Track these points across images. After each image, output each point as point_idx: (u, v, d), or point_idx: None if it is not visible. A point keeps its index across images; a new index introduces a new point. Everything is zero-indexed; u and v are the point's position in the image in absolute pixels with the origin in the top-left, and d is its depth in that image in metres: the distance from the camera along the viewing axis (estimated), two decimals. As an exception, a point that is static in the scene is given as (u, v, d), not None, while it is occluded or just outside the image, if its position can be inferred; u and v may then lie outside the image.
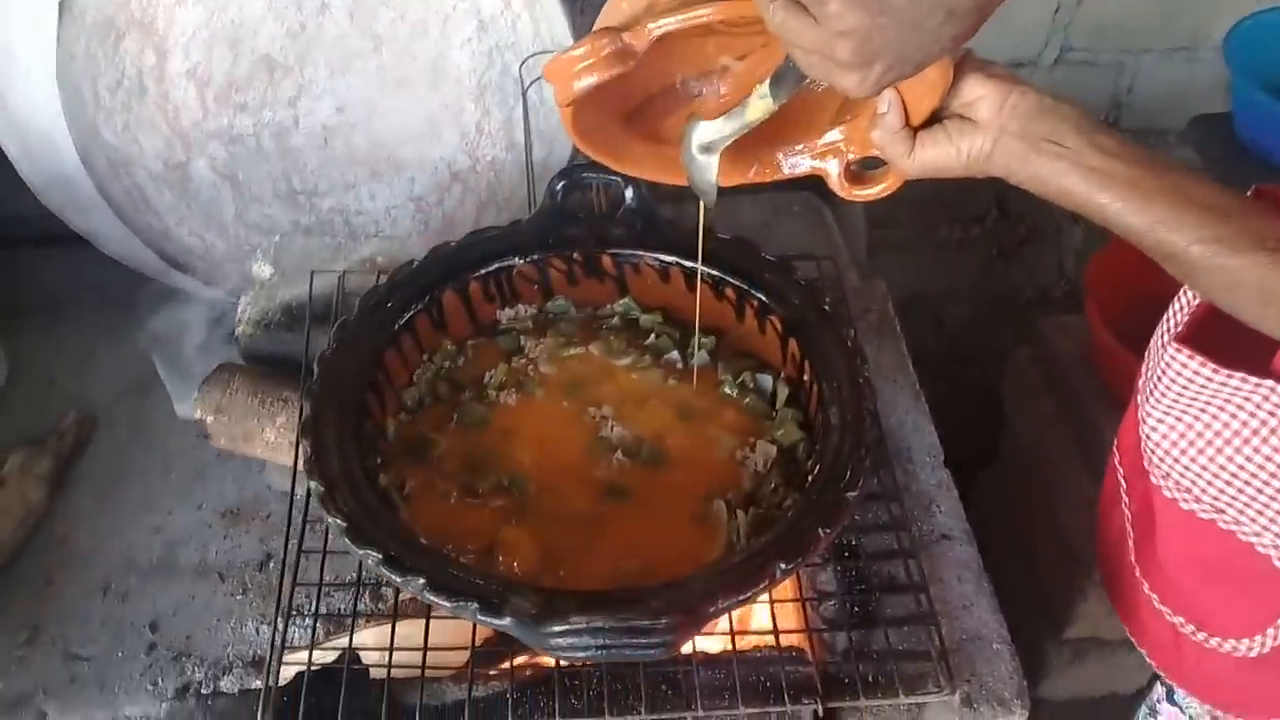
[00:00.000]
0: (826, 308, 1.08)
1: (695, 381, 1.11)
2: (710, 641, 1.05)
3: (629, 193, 1.15)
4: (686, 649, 0.98)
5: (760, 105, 0.86)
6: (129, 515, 1.31)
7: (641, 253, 1.15)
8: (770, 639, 1.01)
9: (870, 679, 0.98)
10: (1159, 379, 0.91)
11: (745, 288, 1.11)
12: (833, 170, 0.93)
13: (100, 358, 1.33)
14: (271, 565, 1.24)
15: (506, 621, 0.83)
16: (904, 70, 0.75)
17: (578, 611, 0.82)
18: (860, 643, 1.02)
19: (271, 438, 1.18)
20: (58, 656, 1.18)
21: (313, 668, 0.95)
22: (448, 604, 0.84)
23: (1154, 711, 1.23)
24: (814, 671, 0.98)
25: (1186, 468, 0.93)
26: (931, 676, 0.98)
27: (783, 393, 1.09)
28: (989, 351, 1.83)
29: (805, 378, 1.06)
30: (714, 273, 1.12)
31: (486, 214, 1.53)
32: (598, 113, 0.92)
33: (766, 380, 1.11)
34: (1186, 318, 0.93)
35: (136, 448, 1.38)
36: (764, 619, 1.06)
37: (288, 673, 0.99)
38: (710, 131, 0.90)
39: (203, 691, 1.13)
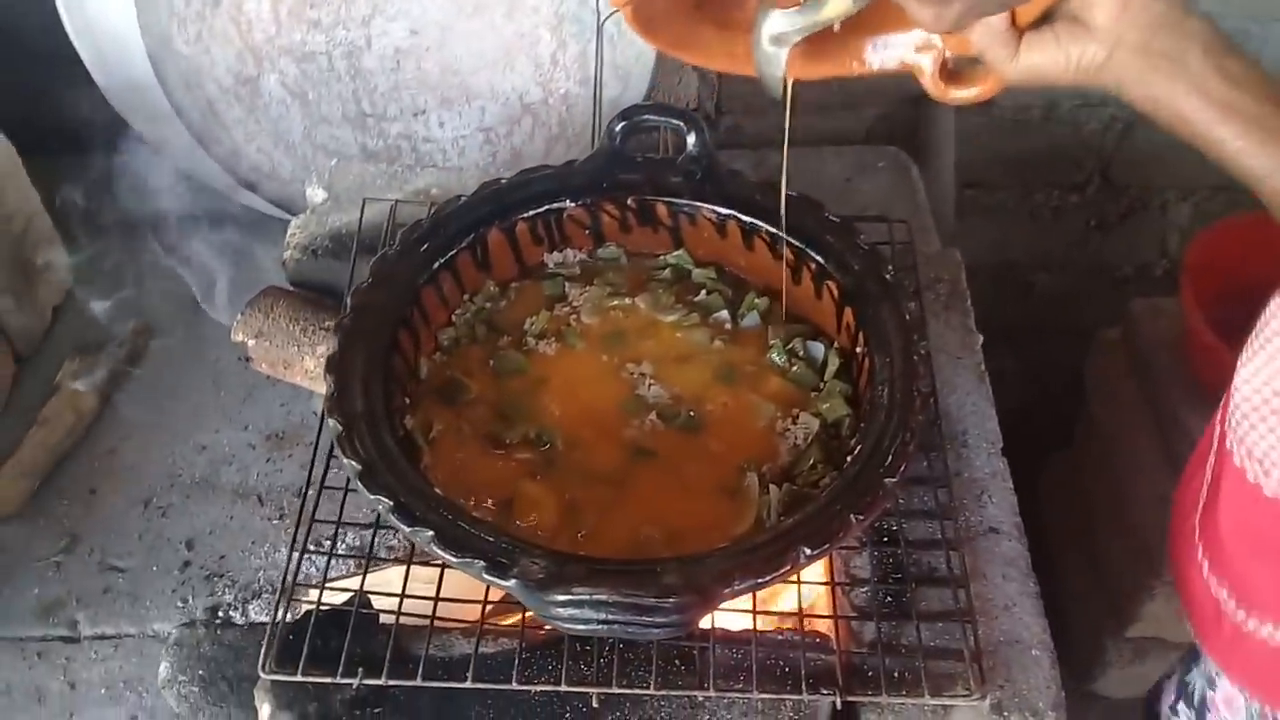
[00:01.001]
0: (888, 276, 1.01)
1: (761, 341, 1.06)
2: (730, 618, 1.00)
3: (691, 138, 1.08)
4: (705, 623, 0.94)
5: (840, 3, 0.79)
6: (176, 431, 1.32)
7: (699, 203, 1.09)
8: (794, 621, 0.97)
9: (896, 675, 0.93)
10: (1266, 325, 0.83)
11: (803, 248, 1.05)
12: (926, 66, 0.85)
13: (162, 272, 1.33)
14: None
15: (512, 584, 0.80)
16: (988, 8, 0.68)
17: (582, 582, 0.78)
18: (889, 635, 0.96)
19: (311, 366, 1.16)
20: (94, 566, 1.19)
21: (322, 608, 0.94)
22: (454, 559, 0.81)
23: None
24: (837, 661, 0.94)
25: (1263, 435, 0.85)
26: (961, 678, 0.93)
27: (833, 364, 1.03)
28: (1077, 328, 1.73)
29: (858, 350, 1.00)
30: (773, 230, 1.06)
31: (556, 149, 1.49)
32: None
33: (818, 349, 1.05)
34: None
35: (190, 365, 1.38)
36: (790, 599, 1.01)
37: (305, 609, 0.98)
38: (783, 23, 0.82)
39: (231, 615, 1.14)
